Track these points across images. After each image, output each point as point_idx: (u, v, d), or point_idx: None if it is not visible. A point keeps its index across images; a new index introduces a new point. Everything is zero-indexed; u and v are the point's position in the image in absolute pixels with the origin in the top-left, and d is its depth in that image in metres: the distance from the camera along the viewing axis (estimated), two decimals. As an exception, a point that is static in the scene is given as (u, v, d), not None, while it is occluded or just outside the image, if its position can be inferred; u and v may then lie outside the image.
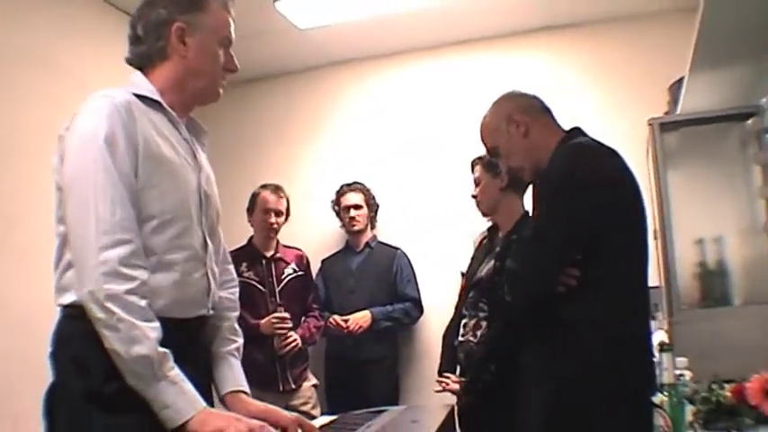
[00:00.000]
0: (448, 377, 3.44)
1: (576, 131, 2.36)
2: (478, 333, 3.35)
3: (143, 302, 1.67)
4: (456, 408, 3.36)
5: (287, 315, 4.21)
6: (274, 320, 4.17)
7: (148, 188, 1.78)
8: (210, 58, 1.94)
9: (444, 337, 3.67)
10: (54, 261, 1.82)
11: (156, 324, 1.68)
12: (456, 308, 3.65)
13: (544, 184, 2.28)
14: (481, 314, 3.35)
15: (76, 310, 1.71)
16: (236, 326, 2.14)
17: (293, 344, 4.22)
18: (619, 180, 2.23)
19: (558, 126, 2.41)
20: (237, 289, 2.19)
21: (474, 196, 3.52)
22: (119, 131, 1.73)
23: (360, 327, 4.48)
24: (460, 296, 3.64)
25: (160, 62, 1.92)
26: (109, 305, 1.62)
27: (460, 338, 3.44)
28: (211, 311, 1.98)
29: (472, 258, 3.69)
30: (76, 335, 1.73)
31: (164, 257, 1.80)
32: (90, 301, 1.64)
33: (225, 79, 2.01)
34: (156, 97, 1.88)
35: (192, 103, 2.01)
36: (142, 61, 1.94)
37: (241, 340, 2.14)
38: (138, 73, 1.94)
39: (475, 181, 3.51)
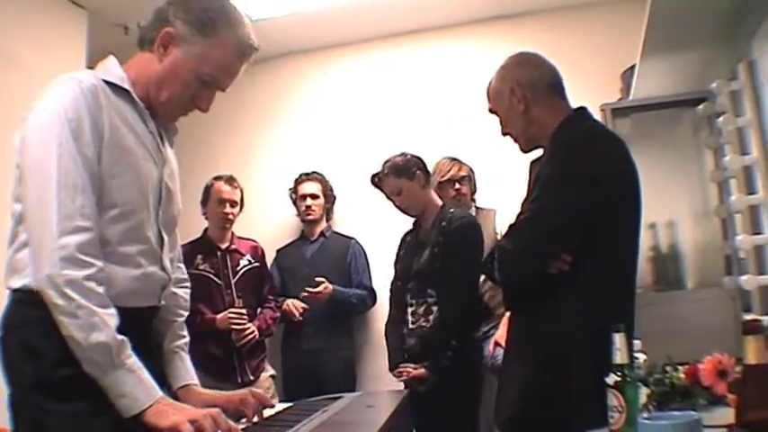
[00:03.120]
0: (405, 366, 3.45)
1: (581, 113, 2.33)
2: (431, 318, 3.42)
3: (101, 289, 1.64)
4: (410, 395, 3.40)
5: (243, 310, 4.21)
6: (231, 315, 4.15)
7: (109, 177, 1.74)
8: (177, 82, 1.85)
9: (386, 333, 3.72)
10: (8, 240, 1.77)
11: (114, 311, 1.65)
12: (391, 303, 3.76)
13: (546, 168, 2.24)
14: (430, 300, 3.43)
15: (26, 295, 1.68)
16: (184, 323, 2.13)
17: (250, 336, 4.21)
18: (620, 171, 2.22)
19: (565, 105, 2.35)
20: (189, 289, 2.18)
21: (398, 207, 3.65)
22: (84, 115, 1.70)
23: (321, 293, 4.41)
24: (392, 291, 3.75)
25: (147, 50, 1.88)
26: (68, 291, 1.59)
27: (411, 326, 3.50)
28: (162, 302, 1.96)
29: (399, 254, 3.80)
30: (27, 321, 1.69)
31: (118, 249, 1.76)
32: (48, 287, 1.60)
33: (188, 111, 1.94)
34: (126, 86, 1.83)
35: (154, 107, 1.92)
36: (140, 40, 1.91)
37: (188, 337, 2.13)
38: (113, 58, 1.90)
39: (391, 193, 3.63)
